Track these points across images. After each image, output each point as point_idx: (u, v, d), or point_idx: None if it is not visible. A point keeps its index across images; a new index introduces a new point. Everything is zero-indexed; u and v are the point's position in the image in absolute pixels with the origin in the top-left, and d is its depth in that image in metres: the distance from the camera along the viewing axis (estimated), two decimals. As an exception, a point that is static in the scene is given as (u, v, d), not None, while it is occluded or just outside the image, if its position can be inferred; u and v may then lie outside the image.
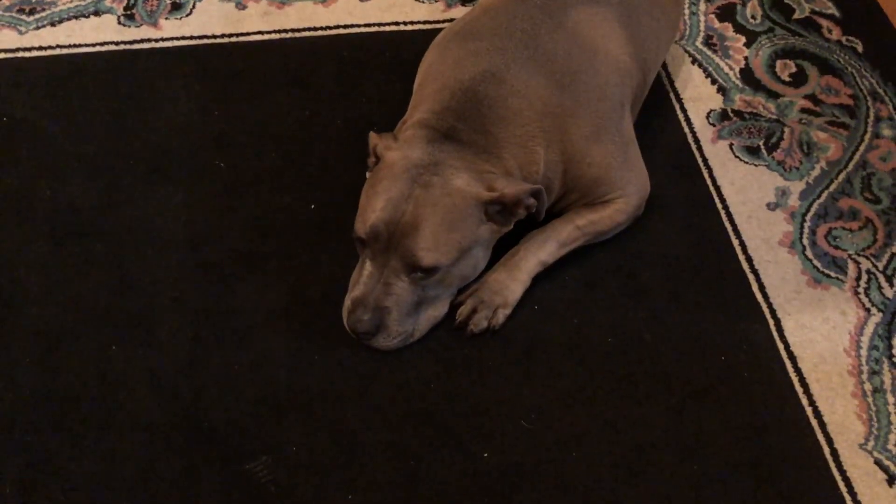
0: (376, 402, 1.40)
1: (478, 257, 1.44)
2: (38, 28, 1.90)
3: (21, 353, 1.42)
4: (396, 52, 1.88)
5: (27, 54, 1.85)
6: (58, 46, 1.86)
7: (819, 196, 1.70)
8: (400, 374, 1.43)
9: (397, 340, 1.42)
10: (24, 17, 1.92)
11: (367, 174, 1.48)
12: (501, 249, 1.50)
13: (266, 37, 1.91)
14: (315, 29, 1.93)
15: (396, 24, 1.95)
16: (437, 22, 1.96)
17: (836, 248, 1.62)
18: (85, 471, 1.31)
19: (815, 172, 1.73)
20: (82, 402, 1.37)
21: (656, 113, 1.81)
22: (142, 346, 1.44)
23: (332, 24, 1.94)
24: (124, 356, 1.42)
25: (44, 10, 1.93)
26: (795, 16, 2.02)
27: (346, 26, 1.94)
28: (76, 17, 1.92)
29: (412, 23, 1.96)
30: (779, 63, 1.92)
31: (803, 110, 1.84)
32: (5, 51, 1.85)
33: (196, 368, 1.42)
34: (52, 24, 1.90)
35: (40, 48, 1.86)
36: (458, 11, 1.99)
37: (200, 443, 1.34)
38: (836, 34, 1.98)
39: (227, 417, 1.37)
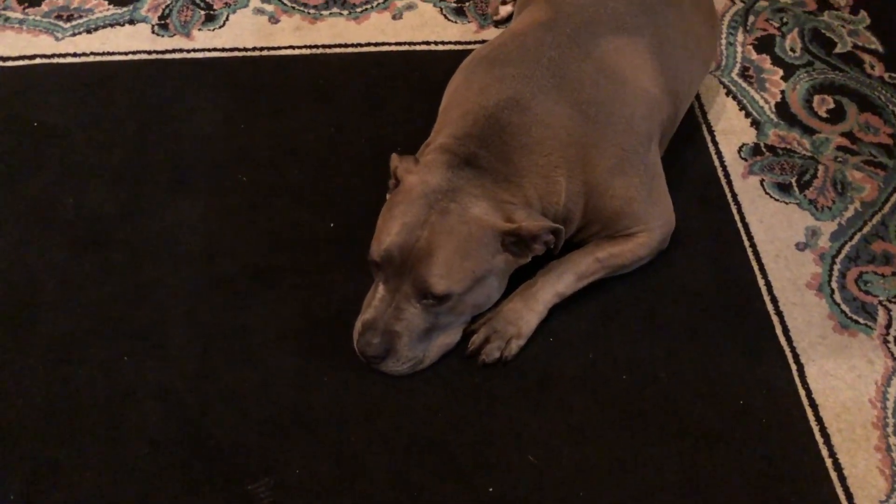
0: (382, 427, 1.38)
1: (492, 287, 1.42)
2: (73, 35, 1.92)
3: (34, 359, 1.43)
4: (425, 72, 1.87)
5: (62, 60, 1.87)
6: (91, 53, 1.89)
7: (851, 238, 1.64)
8: (407, 401, 1.41)
9: (407, 366, 1.40)
10: (61, 23, 1.95)
11: (387, 196, 1.47)
12: (518, 278, 1.48)
13: (296, 51, 1.92)
14: (346, 45, 1.93)
15: (427, 43, 1.95)
16: (469, 43, 1.95)
17: (867, 293, 1.57)
18: (88, 483, 1.31)
19: (849, 213, 1.68)
20: (90, 413, 1.37)
21: (687, 144, 1.77)
22: (152, 359, 1.44)
23: (362, 42, 1.94)
24: (134, 368, 1.43)
25: (81, 16, 1.96)
26: (837, 50, 1.97)
27: (376, 44, 1.94)
28: (111, 25, 1.94)
29: (443, 43, 1.95)
30: (816, 98, 1.87)
31: (839, 148, 1.78)
32: (42, 56, 1.88)
33: (204, 384, 1.41)
34: (88, 32, 1.93)
35: (74, 54, 1.88)
36: (490, 33, 1.97)
37: (203, 460, 1.34)
38: (878, 70, 1.93)
39: (231, 435, 1.36)
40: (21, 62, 1.86)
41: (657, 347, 1.49)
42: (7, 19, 1.95)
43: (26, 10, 1.96)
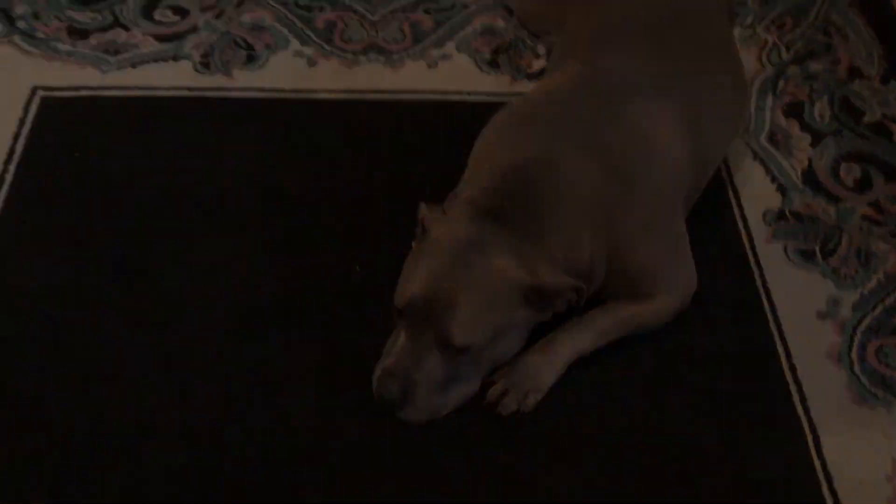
0: (395, 476, 1.39)
1: (512, 340, 1.43)
2: (119, 69, 1.98)
3: (60, 388, 1.46)
4: (458, 121, 1.90)
5: (106, 93, 1.93)
6: (135, 88, 1.94)
7: (873, 309, 1.64)
8: (422, 449, 1.42)
9: (424, 415, 1.42)
10: (108, 56, 2.00)
11: (413, 244, 1.49)
12: (539, 332, 1.49)
13: (332, 95, 1.96)
14: (381, 91, 1.97)
15: (461, 93, 1.98)
16: (502, 94, 1.98)
17: (887, 366, 1.57)
18: (104, 513, 1.33)
19: (872, 284, 1.68)
20: (109, 446, 1.39)
21: (712, 207, 1.78)
22: (174, 394, 1.45)
23: (398, 89, 1.98)
24: (158, 401, 1.45)
25: (127, 51, 2.02)
26: (866, 119, 1.98)
27: (411, 91, 1.98)
28: (156, 61, 2.00)
29: (476, 93, 1.99)
30: (843, 166, 1.88)
31: (865, 218, 1.79)
32: (88, 88, 1.94)
33: (224, 422, 1.43)
34: (133, 66, 1.99)
35: (118, 88, 1.94)
36: (524, 86, 2.01)
37: (216, 496, 1.35)
38: (907, 141, 1.94)
39: (246, 474, 1.38)
40: (67, 93, 1.92)
41: (673, 409, 1.49)
42: (56, 50, 2.01)
43: (75, 43, 2.03)
